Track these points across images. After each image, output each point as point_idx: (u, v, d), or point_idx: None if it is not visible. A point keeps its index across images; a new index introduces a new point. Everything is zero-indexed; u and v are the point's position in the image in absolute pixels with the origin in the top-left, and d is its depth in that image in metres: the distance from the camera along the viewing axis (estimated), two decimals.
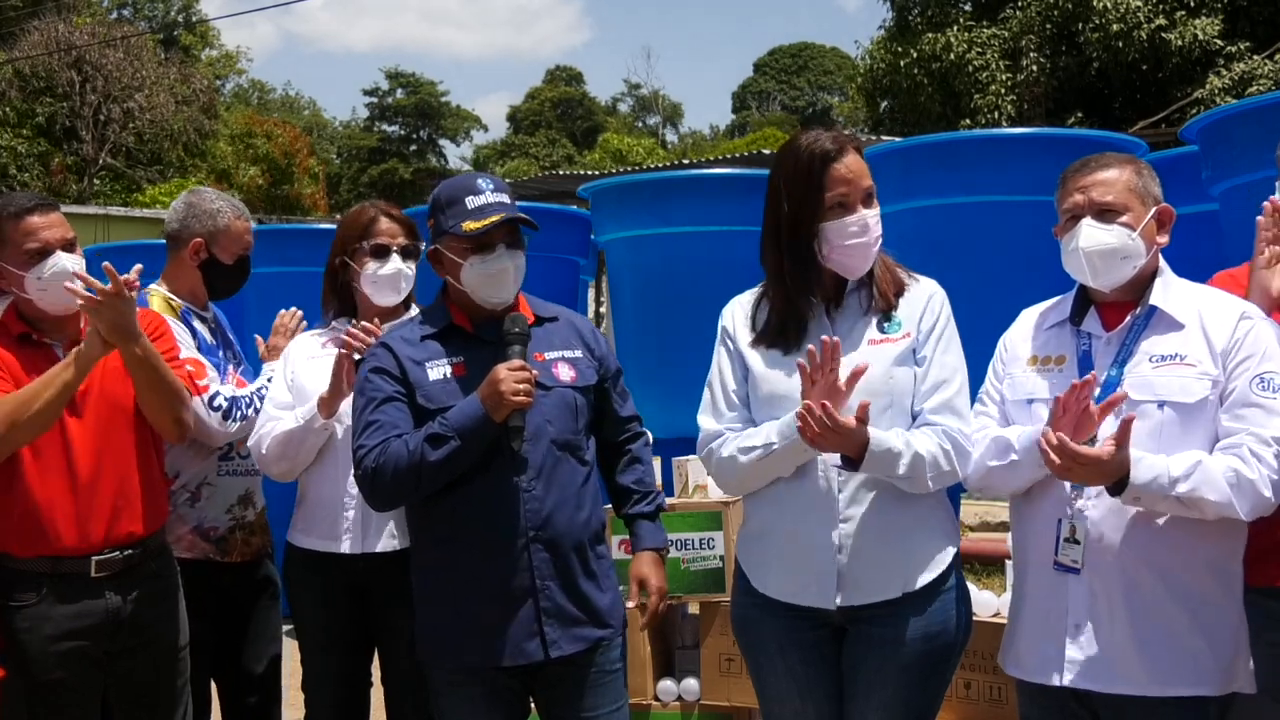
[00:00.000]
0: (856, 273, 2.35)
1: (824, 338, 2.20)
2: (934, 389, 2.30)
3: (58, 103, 24.06)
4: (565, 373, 2.50)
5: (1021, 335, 2.41)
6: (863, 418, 2.14)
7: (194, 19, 35.16)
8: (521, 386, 2.31)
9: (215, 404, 2.96)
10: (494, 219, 2.42)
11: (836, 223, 2.29)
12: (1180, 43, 15.51)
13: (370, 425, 2.41)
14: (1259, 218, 2.43)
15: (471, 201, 2.46)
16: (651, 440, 2.74)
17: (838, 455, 2.23)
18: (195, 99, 26.37)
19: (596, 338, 2.62)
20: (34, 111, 23.97)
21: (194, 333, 3.10)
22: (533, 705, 2.55)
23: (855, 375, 2.17)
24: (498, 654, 2.39)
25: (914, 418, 2.30)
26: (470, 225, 2.43)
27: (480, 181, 2.51)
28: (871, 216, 2.32)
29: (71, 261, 2.65)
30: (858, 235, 2.29)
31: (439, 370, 2.45)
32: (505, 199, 2.48)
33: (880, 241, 2.34)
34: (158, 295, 3.16)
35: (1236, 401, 2.13)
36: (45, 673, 2.61)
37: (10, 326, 2.69)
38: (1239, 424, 2.11)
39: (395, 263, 2.92)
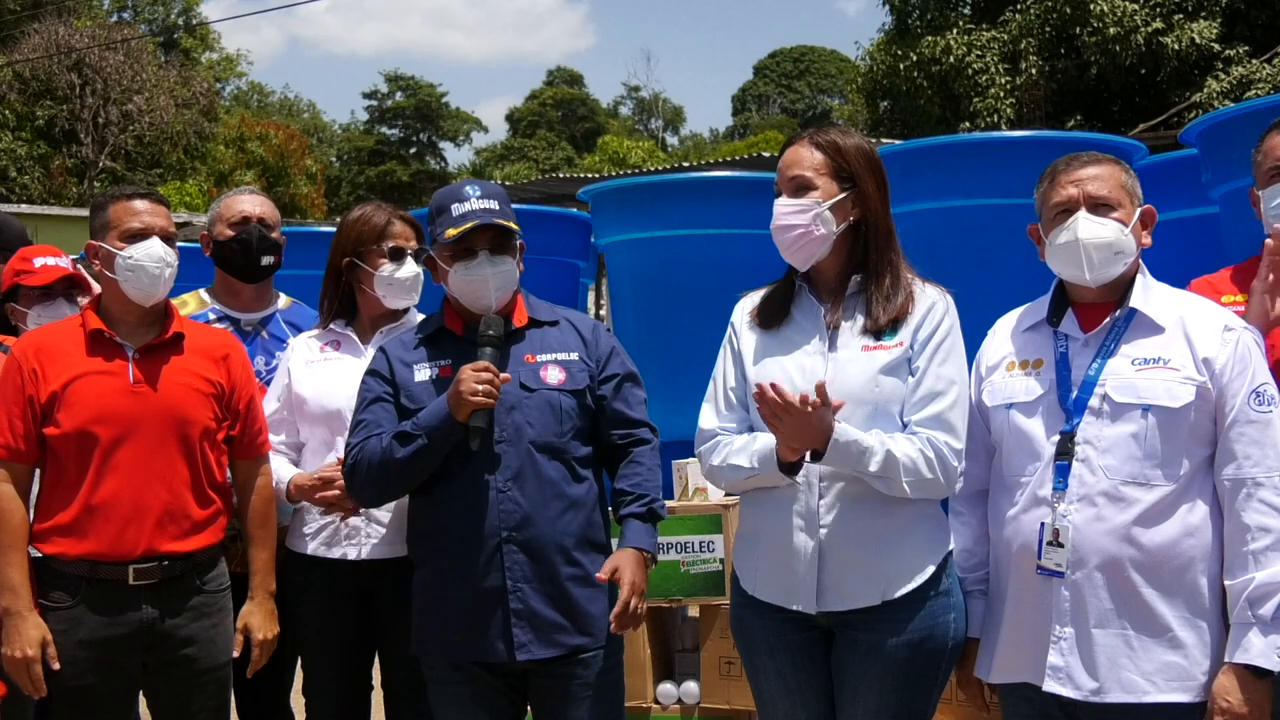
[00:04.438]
0: (797, 264, 2.37)
1: (763, 386, 2.15)
2: (925, 401, 2.26)
3: (58, 105, 24.08)
4: (554, 375, 2.51)
5: (998, 344, 2.39)
6: (821, 399, 2.11)
7: (194, 22, 35.16)
8: (481, 387, 2.34)
9: None
10: (468, 225, 2.45)
11: (775, 208, 2.35)
12: (1177, 46, 15.49)
13: (357, 425, 2.51)
14: (1267, 241, 2.36)
15: (456, 209, 2.50)
16: (658, 446, 2.68)
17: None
18: (195, 102, 26.40)
19: (599, 342, 2.59)
20: (34, 114, 24.00)
21: None
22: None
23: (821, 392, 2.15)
24: (468, 651, 2.45)
25: (904, 427, 2.27)
26: (451, 232, 2.47)
27: (468, 189, 2.54)
28: (788, 206, 2.32)
29: (164, 250, 2.67)
30: (776, 223, 2.33)
31: (426, 372, 2.52)
32: (492, 205, 2.50)
33: (811, 236, 2.30)
34: (194, 297, 3.21)
35: (1239, 419, 2.12)
36: (75, 678, 2.60)
37: (88, 321, 2.71)
38: (1240, 445, 2.11)
39: (411, 266, 2.92)
